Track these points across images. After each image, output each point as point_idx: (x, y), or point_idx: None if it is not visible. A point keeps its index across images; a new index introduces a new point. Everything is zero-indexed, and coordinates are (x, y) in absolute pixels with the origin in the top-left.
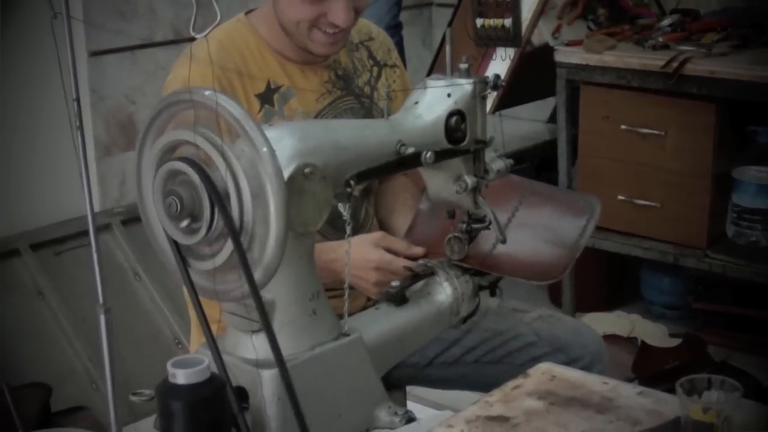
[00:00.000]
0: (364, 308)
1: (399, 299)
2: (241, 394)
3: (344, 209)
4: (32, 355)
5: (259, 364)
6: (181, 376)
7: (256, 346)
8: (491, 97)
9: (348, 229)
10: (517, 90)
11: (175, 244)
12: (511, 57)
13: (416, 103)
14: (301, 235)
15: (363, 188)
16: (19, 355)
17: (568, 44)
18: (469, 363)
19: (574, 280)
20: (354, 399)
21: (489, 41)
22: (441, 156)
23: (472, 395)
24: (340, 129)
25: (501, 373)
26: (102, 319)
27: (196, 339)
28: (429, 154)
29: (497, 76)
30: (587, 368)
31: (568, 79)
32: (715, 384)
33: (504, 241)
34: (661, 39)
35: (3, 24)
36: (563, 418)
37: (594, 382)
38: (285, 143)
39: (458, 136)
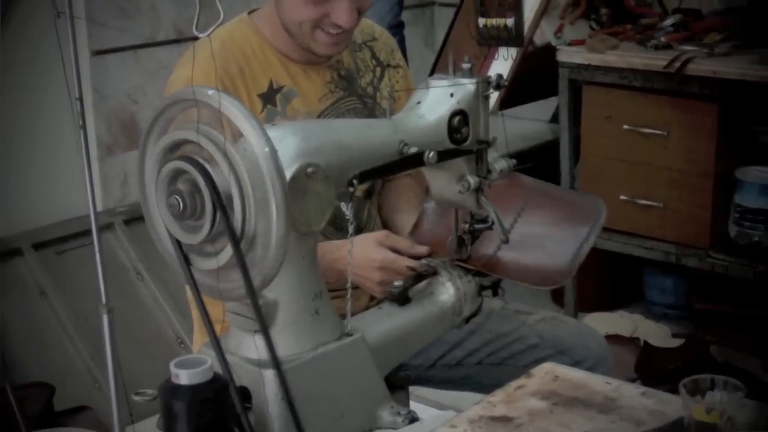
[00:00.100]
0: (367, 308)
1: (402, 299)
2: (244, 394)
3: (347, 209)
4: (35, 355)
5: (261, 364)
6: (184, 377)
7: (259, 346)
8: (493, 97)
9: (350, 229)
10: (519, 90)
11: (178, 243)
12: (514, 57)
13: (419, 102)
14: (304, 234)
15: (366, 189)
16: (22, 354)
17: (571, 44)
18: (472, 365)
19: (577, 280)
20: (357, 399)
21: (491, 41)
22: (444, 156)
23: (475, 395)
24: (342, 129)
25: (504, 375)
26: (105, 318)
27: (198, 339)
28: (432, 154)
29: (500, 76)
30: (591, 370)
31: (571, 79)
32: (718, 384)
33: (507, 242)
34: (663, 39)
35: (3, 24)
36: (566, 418)
37: (597, 383)
38: (287, 143)
39: (461, 136)
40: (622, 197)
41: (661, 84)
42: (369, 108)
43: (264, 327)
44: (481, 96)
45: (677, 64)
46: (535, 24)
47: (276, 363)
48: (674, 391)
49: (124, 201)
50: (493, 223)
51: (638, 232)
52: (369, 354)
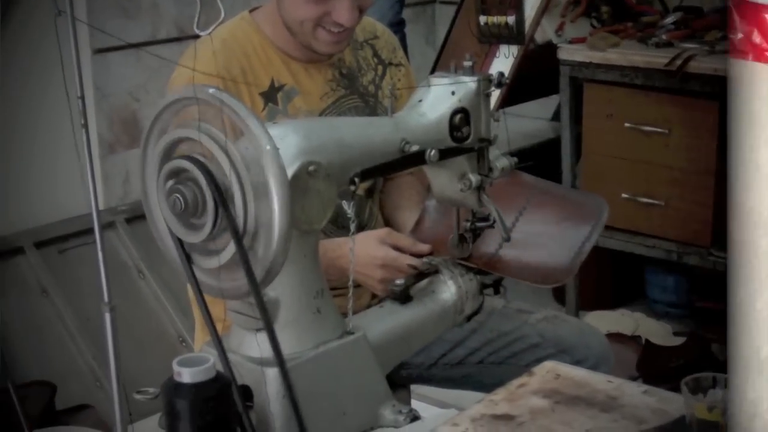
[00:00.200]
0: (369, 307)
1: (403, 297)
2: (246, 392)
3: (348, 207)
4: (36, 354)
5: (263, 363)
6: (186, 375)
7: (261, 345)
8: (495, 95)
9: (352, 227)
10: (520, 88)
11: (180, 242)
12: (515, 55)
13: (420, 101)
14: (306, 233)
15: (367, 188)
16: (23, 353)
17: (572, 42)
18: (473, 364)
19: (578, 278)
20: (358, 397)
21: (492, 39)
22: (445, 154)
23: (477, 394)
24: (344, 127)
25: (505, 374)
26: (107, 317)
27: (200, 338)
28: (433, 152)
29: (501, 74)
30: (592, 370)
31: (572, 77)
32: (720, 382)
33: (508, 240)
34: (664, 36)
35: (3, 24)
36: (568, 416)
37: (599, 381)
38: (289, 141)
39: (462, 134)
40: (624, 195)
41: (663, 82)
42: (371, 106)
43: (268, 324)
44: (482, 94)
45: (678, 62)
46: (536, 22)
47: (280, 360)
48: (676, 389)
49: (126, 199)
50: (494, 221)
51: (639, 230)
52: (370, 352)
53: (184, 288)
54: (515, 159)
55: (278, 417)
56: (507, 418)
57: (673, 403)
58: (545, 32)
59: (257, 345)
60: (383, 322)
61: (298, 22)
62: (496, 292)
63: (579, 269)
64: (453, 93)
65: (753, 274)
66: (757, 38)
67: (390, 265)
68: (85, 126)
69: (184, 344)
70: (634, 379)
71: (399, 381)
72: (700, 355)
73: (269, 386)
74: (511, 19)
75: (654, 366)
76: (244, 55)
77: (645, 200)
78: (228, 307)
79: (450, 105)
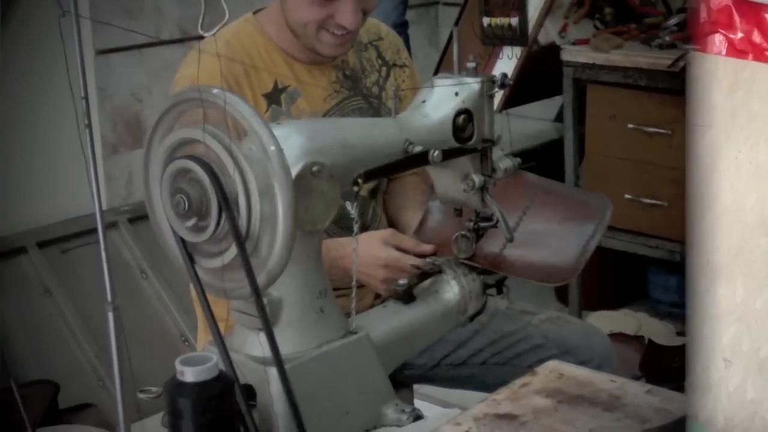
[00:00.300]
0: (372, 307)
1: (407, 297)
2: (249, 391)
3: (352, 208)
4: (39, 353)
5: (266, 362)
6: (189, 374)
7: (264, 344)
8: (498, 96)
9: (355, 228)
10: (523, 89)
11: (183, 242)
12: (518, 56)
13: (424, 101)
14: (309, 233)
15: (371, 189)
16: (27, 352)
17: (575, 43)
18: (476, 364)
19: (581, 278)
20: (361, 397)
21: (496, 40)
22: (448, 155)
23: (480, 394)
24: (348, 127)
25: (509, 375)
26: (110, 316)
27: (203, 337)
28: (436, 152)
29: (504, 75)
30: (596, 370)
31: (575, 78)
32: None
33: (511, 240)
34: (667, 38)
35: (3, 24)
36: (571, 416)
37: (602, 381)
38: (293, 142)
39: (466, 134)
40: (627, 196)
41: (666, 83)
42: (374, 108)
43: (268, 327)
44: (485, 95)
45: (681, 63)
46: (540, 23)
47: (278, 361)
48: (679, 388)
49: (129, 200)
50: (497, 221)
51: (642, 230)
52: (374, 352)
53: (186, 288)
54: (518, 159)
55: (281, 416)
56: (510, 417)
57: (675, 403)
58: (548, 34)
59: (260, 344)
60: (386, 321)
61: (301, 24)
62: (499, 292)
63: (582, 269)
64: (456, 94)
65: (752, 273)
66: (757, 38)
67: (393, 265)
68: (89, 126)
69: (186, 343)
70: (637, 378)
71: (402, 380)
72: None
73: (272, 385)
74: (514, 21)
75: (657, 365)
76: (248, 57)
77: (648, 201)
78: (231, 306)
79: (453, 106)
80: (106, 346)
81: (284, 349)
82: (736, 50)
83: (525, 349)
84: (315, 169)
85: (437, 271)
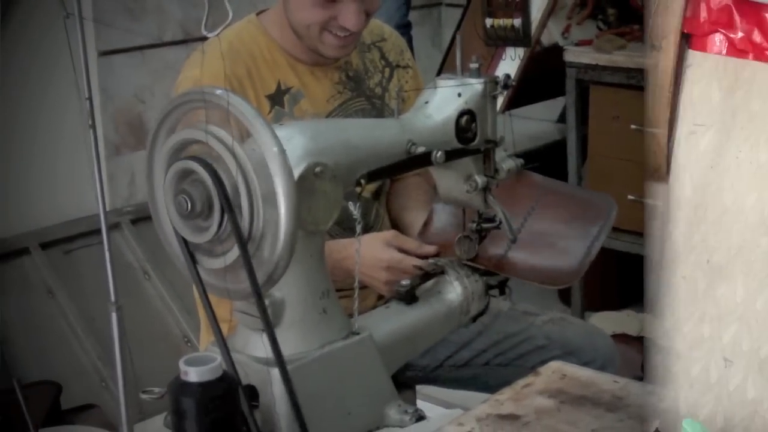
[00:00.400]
0: (375, 308)
1: (409, 298)
2: (252, 392)
3: (354, 208)
4: (42, 354)
5: (269, 363)
6: (193, 374)
7: (267, 345)
8: (501, 97)
9: (358, 228)
10: (526, 90)
11: (185, 242)
12: (521, 57)
13: (427, 102)
14: (312, 233)
15: (374, 190)
16: (29, 353)
17: (578, 44)
18: (479, 365)
19: (584, 279)
20: (364, 397)
21: (498, 41)
22: (451, 155)
23: (483, 395)
24: (350, 128)
25: (511, 376)
26: (113, 316)
27: (205, 338)
28: (439, 153)
29: (507, 76)
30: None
31: (578, 79)
32: None
33: (514, 241)
34: None
35: (3, 24)
36: (574, 416)
37: (604, 381)
38: (295, 142)
39: (469, 135)
40: (630, 197)
41: None
42: (377, 109)
43: (270, 328)
44: (488, 96)
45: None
46: (543, 24)
47: (281, 362)
48: None
49: (131, 200)
50: (500, 222)
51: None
52: (376, 352)
53: (189, 288)
54: (521, 160)
55: (284, 417)
56: (512, 417)
57: None
58: (551, 34)
59: (263, 345)
60: (389, 322)
61: (304, 25)
62: (502, 293)
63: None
64: (459, 95)
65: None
66: (757, 37)
67: (395, 267)
68: (93, 127)
69: (189, 344)
70: (639, 379)
71: (405, 381)
72: None
73: (275, 386)
74: (517, 22)
75: None
76: (251, 58)
77: (651, 202)
78: (234, 307)
79: (456, 107)
80: (109, 346)
81: (286, 350)
82: (736, 50)
83: (528, 350)
84: (318, 169)
85: (440, 272)
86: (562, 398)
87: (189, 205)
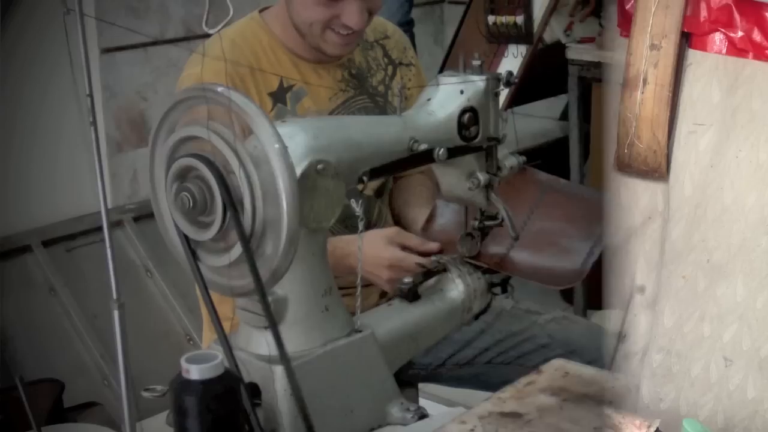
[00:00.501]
0: (377, 305)
1: (411, 296)
2: (254, 389)
3: (357, 205)
4: (44, 351)
5: (271, 360)
6: (194, 372)
7: (269, 342)
8: (503, 94)
9: (360, 226)
10: (529, 87)
11: (186, 239)
12: (523, 54)
13: (429, 99)
14: (314, 231)
15: (376, 188)
16: (31, 351)
17: (580, 41)
18: (482, 364)
19: (586, 277)
20: (366, 395)
21: (501, 38)
22: (453, 153)
23: (486, 393)
24: (353, 126)
25: (514, 375)
26: (115, 314)
27: (208, 336)
28: (442, 150)
29: (510, 73)
30: None
31: (580, 77)
32: None
33: (517, 238)
34: None
35: (3, 23)
36: (576, 414)
37: (607, 379)
38: (298, 140)
39: (471, 132)
40: None
41: None
42: (380, 107)
43: (273, 325)
44: (491, 93)
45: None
46: (545, 21)
47: (284, 359)
48: None
49: (134, 198)
50: (503, 219)
51: None
52: (379, 350)
53: (191, 286)
54: (523, 158)
55: (286, 414)
56: (515, 415)
57: None
58: (554, 32)
59: (265, 343)
60: (391, 320)
61: (306, 24)
62: (504, 291)
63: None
64: (462, 92)
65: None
66: (757, 36)
67: (397, 265)
68: (94, 124)
69: (191, 342)
70: None
71: (407, 379)
72: None
73: (277, 383)
74: (519, 19)
75: None
76: (253, 55)
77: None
78: (236, 304)
79: (459, 104)
80: (111, 344)
81: (289, 348)
82: (736, 49)
83: (530, 348)
84: (320, 167)
85: (442, 270)
86: (564, 396)
87: (191, 203)
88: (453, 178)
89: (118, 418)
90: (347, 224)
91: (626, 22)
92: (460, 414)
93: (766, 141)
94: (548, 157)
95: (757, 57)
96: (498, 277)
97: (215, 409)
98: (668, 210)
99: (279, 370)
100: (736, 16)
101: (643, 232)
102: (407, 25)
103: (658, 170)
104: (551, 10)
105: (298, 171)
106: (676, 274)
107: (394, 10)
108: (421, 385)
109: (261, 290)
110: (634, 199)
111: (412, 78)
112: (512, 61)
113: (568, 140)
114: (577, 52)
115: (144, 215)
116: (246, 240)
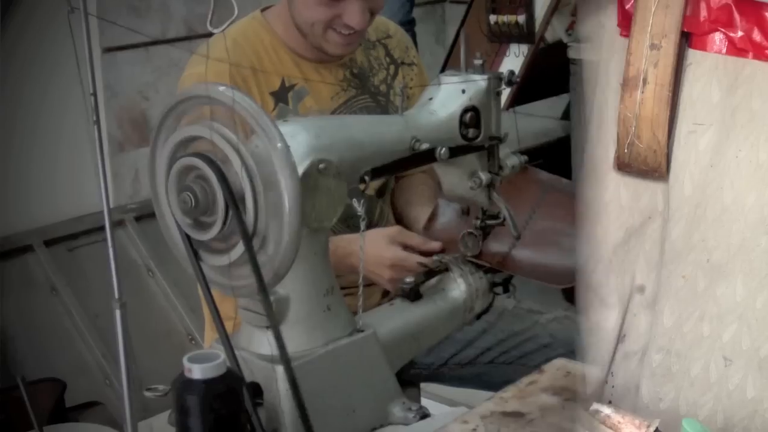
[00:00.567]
0: (379, 305)
1: (413, 295)
2: (256, 389)
3: (358, 205)
4: (45, 351)
5: (273, 360)
6: (197, 371)
7: (271, 342)
8: (505, 94)
9: (362, 225)
10: (530, 86)
11: (188, 238)
12: (525, 53)
13: (430, 99)
14: (316, 230)
15: (378, 188)
16: (33, 350)
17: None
18: (484, 364)
19: None
20: (368, 394)
21: (502, 38)
22: (455, 152)
23: (488, 393)
24: (354, 125)
25: (516, 374)
26: (117, 314)
27: (210, 335)
28: (443, 150)
29: (511, 72)
30: None
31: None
32: None
33: (518, 238)
34: None
35: (3, 23)
36: (578, 413)
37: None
38: (299, 139)
39: (473, 132)
40: None
41: None
42: (382, 106)
43: (275, 325)
44: (492, 92)
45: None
46: (547, 21)
47: (285, 359)
48: None
49: (135, 198)
50: (504, 219)
51: None
52: (380, 350)
53: (193, 286)
54: (525, 157)
55: (288, 413)
56: (517, 415)
57: None
58: (555, 31)
59: (267, 342)
60: (393, 319)
61: (308, 23)
62: (506, 290)
63: None
64: (463, 91)
65: (753, 271)
66: (757, 36)
67: (399, 264)
68: (97, 123)
69: (193, 342)
70: None
71: (409, 379)
72: None
73: (279, 383)
74: (521, 18)
75: None
76: (255, 55)
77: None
78: (238, 304)
79: (460, 103)
80: (113, 344)
81: (291, 347)
82: (736, 49)
83: (532, 348)
84: (322, 166)
85: (444, 269)
86: (566, 395)
87: (193, 202)
88: (455, 177)
89: (119, 417)
90: (349, 224)
91: (626, 21)
92: (462, 414)
93: (766, 141)
94: (550, 156)
95: (756, 57)
96: (500, 276)
97: (217, 408)
98: (668, 210)
99: (281, 370)
100: (736, 15)
101: (643, 232)
102: (409, 25)
103: (658, 170)
104: (553, 10)
105: (300, 170)
106: (676, 274)
107: (395, 10)
108: (423, 385)
109: (263, 290)
110: (634, 198)
111: (414, 77)
112: (514, 60)
113: (570, 140)
114: (578, 52)
115: (145, 215)
116: (248, 239)
